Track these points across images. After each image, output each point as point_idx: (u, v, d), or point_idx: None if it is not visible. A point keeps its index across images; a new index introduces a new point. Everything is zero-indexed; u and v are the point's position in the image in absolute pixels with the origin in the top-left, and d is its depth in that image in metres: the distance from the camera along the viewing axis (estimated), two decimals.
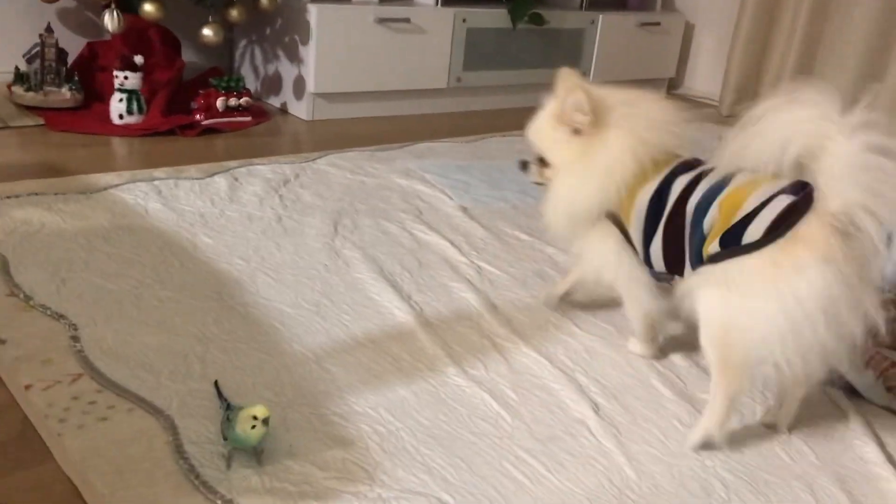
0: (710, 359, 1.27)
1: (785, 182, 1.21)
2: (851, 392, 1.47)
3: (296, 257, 1.82)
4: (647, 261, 1.41)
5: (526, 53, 3.40)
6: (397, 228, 2.04)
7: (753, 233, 1.20)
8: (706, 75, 4.04)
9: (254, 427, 1.11)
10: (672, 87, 4.12)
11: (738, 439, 1.31)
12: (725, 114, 3.70)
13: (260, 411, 1.12)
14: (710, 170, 1.31)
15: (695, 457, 1.27)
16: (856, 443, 1.34)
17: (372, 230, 2.01)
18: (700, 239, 1.29)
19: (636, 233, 1.39)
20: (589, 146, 1.38)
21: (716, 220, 1.26)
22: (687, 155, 1.40)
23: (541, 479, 1.19)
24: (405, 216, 2.12)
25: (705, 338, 1.26)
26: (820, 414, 1.42)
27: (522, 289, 1.78)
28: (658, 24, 3.79)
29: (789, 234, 1.16)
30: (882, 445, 1.34)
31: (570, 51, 3.54)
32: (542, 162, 1.47)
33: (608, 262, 1.45)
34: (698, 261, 1.30)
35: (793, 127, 1.13)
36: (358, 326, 1.55)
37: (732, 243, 1.22)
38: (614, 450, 1.26)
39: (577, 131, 1.39)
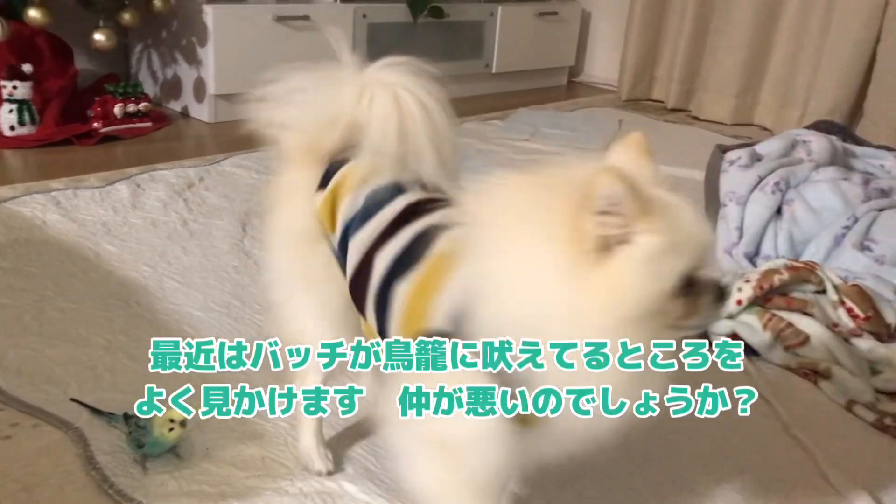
0: None
1: None
2: (751, 352, 1.54)
3: (203, 260, 1.79)
4: None
5: (429, 47, 3.41)
6: None
7: None
8: (604, 62, 4.14)
9: (171, 430, 1.10)
10: (573, 74, 4.21)
11: None
12: (625, 98, 3.80)
13: (177, 414, 1.10)
14: None
15: None
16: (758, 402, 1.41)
17: None
18: None
19: None
20: None
21: None
22: None
23: None
24: None
25: None
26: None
27: None
28: (556, 13, 3.86)
29: None
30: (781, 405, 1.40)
31: (471, 43, 3.58)
32: None
33: None
34: None
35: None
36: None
37: None
38: None
39: None
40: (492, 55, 3.66)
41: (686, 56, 3.59)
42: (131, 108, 2.70)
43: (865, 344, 1.55)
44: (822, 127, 2.31)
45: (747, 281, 1.57)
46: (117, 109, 2.67)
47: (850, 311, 1.58)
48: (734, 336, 1.54)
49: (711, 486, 1.20)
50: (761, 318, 1.53)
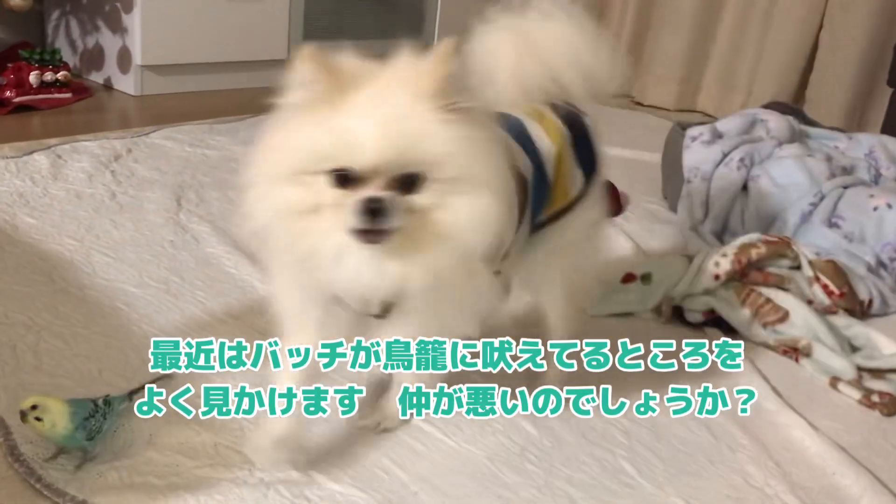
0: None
1: None
2: (729, 330, 1.47)
3: (136, 234, 1.63)
4: None
5: (368, 23, 3.28)
6: None
7: None
8: None
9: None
10: None
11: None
12: None
13: (25, 403, 0.94)
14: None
15: None
16: (742, 380, 1.33)
17: (220, 202, 1.84)
18: None
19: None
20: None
21: None
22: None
23: (437, 444, 1.09)
24: None
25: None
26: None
27: None
28: None
29: None
30: (766, 379, 1.33)
31: (412, 20, 3.46)
32: (411, 185, 0.87)
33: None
34: None
35: None
36: (216, 302, 1.40)
37: None
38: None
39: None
40: (432, 35, 3.54)
41: (629, 41, 3.55)
42: (48, 76, 2.49)
43: (841, 321, 1.49)
44: (777, 108, 2.27)
45: (724, 255, 1.50)
46: (33, 78, 2.46)
47: (825, 287, 1.53)
48: (711, 312, 1.47)
49: (707, 469, 1.12)
50: (739, 293, 1.47)
